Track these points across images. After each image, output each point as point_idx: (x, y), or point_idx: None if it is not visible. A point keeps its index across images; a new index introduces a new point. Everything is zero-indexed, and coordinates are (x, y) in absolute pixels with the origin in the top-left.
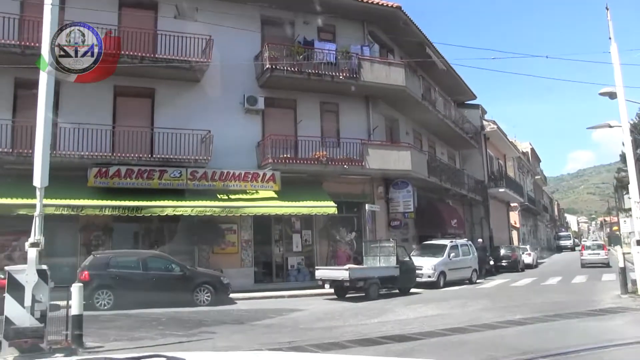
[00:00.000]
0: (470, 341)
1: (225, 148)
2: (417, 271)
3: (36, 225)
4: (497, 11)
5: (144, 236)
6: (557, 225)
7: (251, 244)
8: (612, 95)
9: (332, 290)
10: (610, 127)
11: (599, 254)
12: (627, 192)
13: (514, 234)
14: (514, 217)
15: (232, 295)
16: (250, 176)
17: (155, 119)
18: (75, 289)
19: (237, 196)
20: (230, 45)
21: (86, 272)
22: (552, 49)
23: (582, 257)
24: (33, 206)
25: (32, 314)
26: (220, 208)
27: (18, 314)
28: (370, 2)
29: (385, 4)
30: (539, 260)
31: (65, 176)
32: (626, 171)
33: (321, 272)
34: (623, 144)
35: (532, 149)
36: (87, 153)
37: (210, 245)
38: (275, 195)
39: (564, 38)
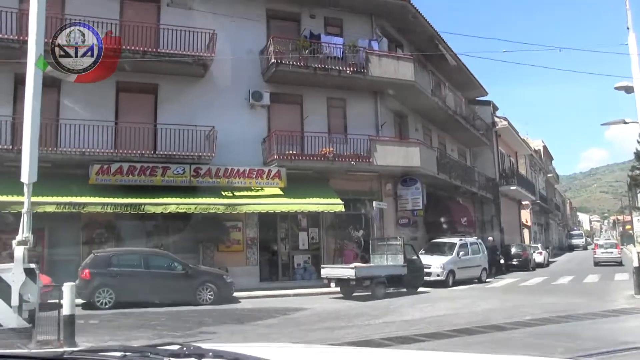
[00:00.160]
0: (476, 343)
1: (229, 144)
2: (425, 270)
3: (24, 222)
4: (507, 6)
5: (147, 234)
6: (569, 224)
7: (256, 242)
8: (628, 90)
9: (338, 289)
10: (626, 123)
11: (612, 252)
12: None
13: (525, 232)
14: (526, 216)
15: (236, 294)
16: (255, 173)
17: (158, 115)
18: (67, 288)
19: (241, 193)
20: (235, 40)
21: (87, 271)
22: (567, 44)
23: (595, 255)
24: (33, 204)
25: (20, 314)
26: (224, 205)
27: (4, 314)
28: None
29: None
30: (550, 259)
31: (67, 173)
32: None
33: (327, 271)
34: (638, 141)
35: (545, 147)
36: (88, 150)
37: (215, 243)
38: (281, 192)
39: (580, 35)
